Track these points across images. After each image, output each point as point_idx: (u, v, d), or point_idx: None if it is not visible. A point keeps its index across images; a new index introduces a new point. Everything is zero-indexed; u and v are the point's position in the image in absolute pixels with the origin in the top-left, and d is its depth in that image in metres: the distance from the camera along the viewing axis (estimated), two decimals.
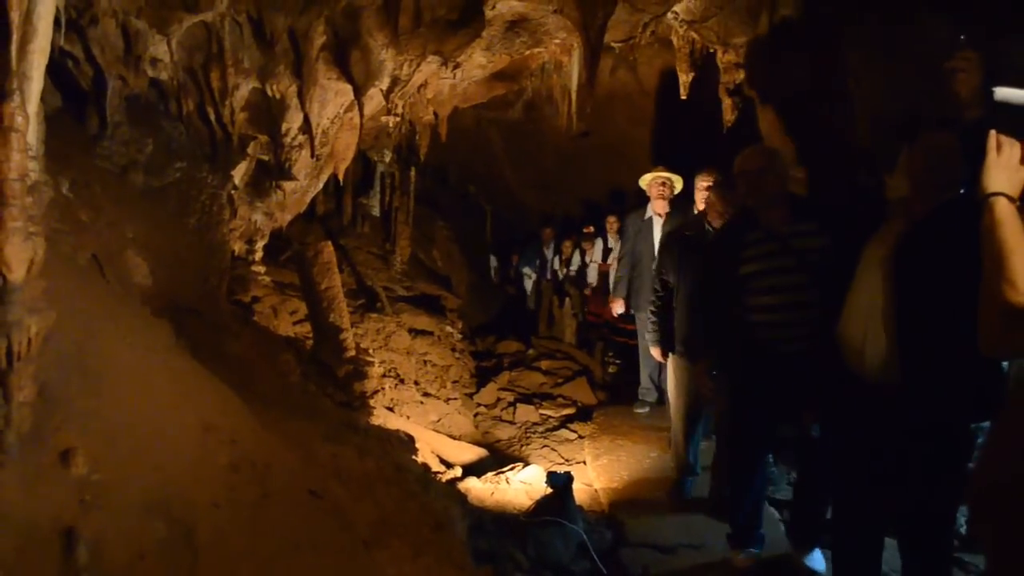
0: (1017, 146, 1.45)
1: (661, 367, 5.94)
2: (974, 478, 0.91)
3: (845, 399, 2.77)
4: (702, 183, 4.92)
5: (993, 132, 1.47)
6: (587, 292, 9.41)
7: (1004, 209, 1.41)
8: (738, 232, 3.42)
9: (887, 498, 2.82)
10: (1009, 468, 0.81)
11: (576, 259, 9.94)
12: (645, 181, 6.16)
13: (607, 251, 9.27)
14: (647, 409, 6.42)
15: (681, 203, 5.89)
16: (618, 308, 6.45)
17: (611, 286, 7.10)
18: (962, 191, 2.47)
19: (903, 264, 2.55)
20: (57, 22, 2.68)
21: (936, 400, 2.46)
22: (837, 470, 2.92)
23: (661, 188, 6.00)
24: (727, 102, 5.83)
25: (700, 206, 4.99)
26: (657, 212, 6.08)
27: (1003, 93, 1.41)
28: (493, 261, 12.08)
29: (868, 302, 2.65)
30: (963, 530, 3.67)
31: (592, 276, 9.37)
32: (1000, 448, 0.86)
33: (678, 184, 6.05)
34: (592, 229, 9.96)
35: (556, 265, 10.37)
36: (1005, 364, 2.51)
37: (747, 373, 3.40)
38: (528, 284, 11.08)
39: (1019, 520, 0.76)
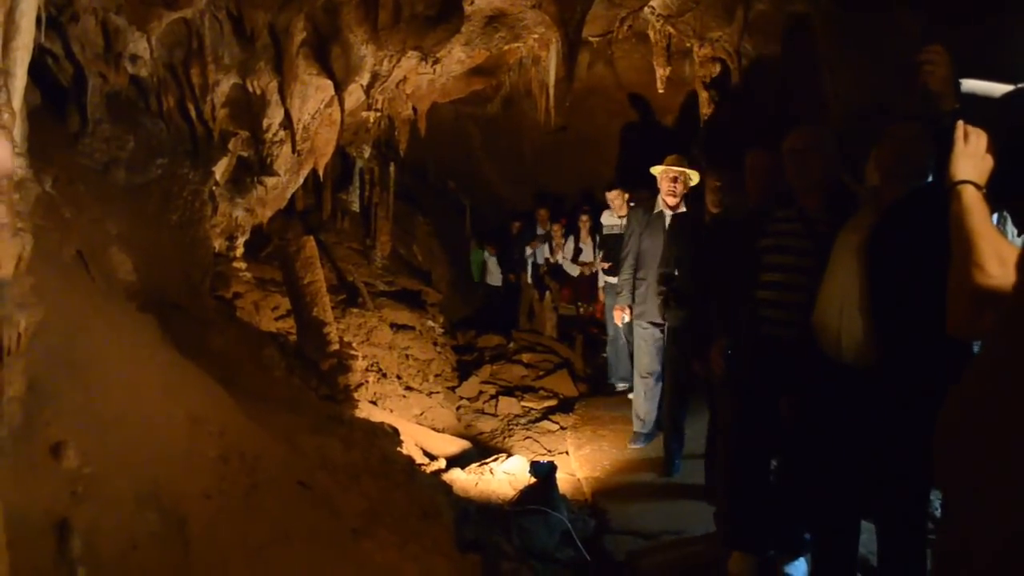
0: (983, 136, 1.51)
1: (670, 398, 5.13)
2: (936, 428, 0.97)
3: (822, 384, 2.83)
4: (713, 183, 4.60)
5: (960, 122, 1.53)
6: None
7: (971, 196, 1.47)
8: (772, 209, 3.36)
9: (863, 480, 2.88)
10: (969, 416, 0.87)
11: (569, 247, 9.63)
12: (657, 171, 5.29)
13: (578, 250, 9.29)
14: (641, 444, 5.45)
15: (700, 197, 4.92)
16: (623, 317, 5.58)
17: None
18: (930, 179, 2.55)
19: (875, 251, 2.62)
20: (37, 19, 2.69)
21: (910, 382, 2.52)
22: (814, 454, 2.97)
23: (672, 184, 5.14)
24: (703, 95, 5.89)
25: (712, 208, 4.58)
26: (669, 207, 5.23)
27: (969, 85, 1.47)
28: (489, 254, 11.49)
29: (842, 289, 2.71)
30: (939, 513, 3.75)
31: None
32: (964, 397, 0.92)
33: (694, 178, 5.20)
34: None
35: (548, 252, 10.15)
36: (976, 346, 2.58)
37: (750, 361, 3.39)
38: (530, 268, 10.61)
39: (975, 465, 0.82)
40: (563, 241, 9.74)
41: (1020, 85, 1.38)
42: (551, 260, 10.00)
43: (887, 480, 2.72)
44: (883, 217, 2.64)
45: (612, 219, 7.51)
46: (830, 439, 2.84)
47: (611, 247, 7.16)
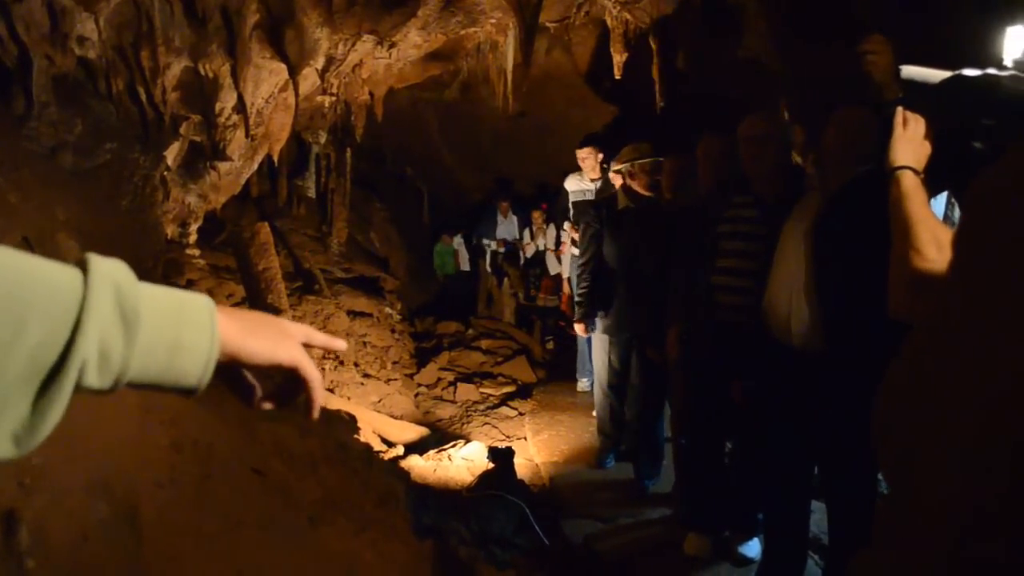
0: (922, 121, 1.54)
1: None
2: (873, 415, 1.00)
3: (772, 368, 2.88)
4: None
5: (900, 108, 1.57)
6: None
7: (910, 182, 1.51)
8: (727, 195, 3.39)
9: (813, 461, 2.94)
10: (903, 404, 0.89)
11: (551, 234, 9.08)
12: (621, 167, 4.68)
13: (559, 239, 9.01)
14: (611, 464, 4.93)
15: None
16: (584, 331, 4.90)
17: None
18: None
19: (822, 236, 2.67)
20: None
21: (857, 365, 2.56)
22: (765, 437, 3.02)
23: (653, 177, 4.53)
24: (659, 82, 5.90)
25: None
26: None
27: (909, 71, 1.50)
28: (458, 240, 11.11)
29: (791, 274, 2.75)
30: (887, 492, 3.83)
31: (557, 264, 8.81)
32: (898, 380, 0.95)
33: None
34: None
35: (527, 239, 10.06)
36: None
37: (705, 346, 3.43)
38: (488, 256, 10.50)
39: (903, 444, 0.84)
40: (544, 227, 9.57)
41: (958, 71, 1.41)
42: (532, 247, 9.89)
43: (836, 461, 2.78)
44: (829, 203, 2.68)
45: (581, 183, 6.29)
46: (780, 421, 2.90)
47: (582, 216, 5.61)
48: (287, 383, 0.90)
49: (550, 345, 8.48)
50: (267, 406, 0.91)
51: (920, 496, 0.81)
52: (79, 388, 0.68)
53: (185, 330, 0.76)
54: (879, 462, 0.94)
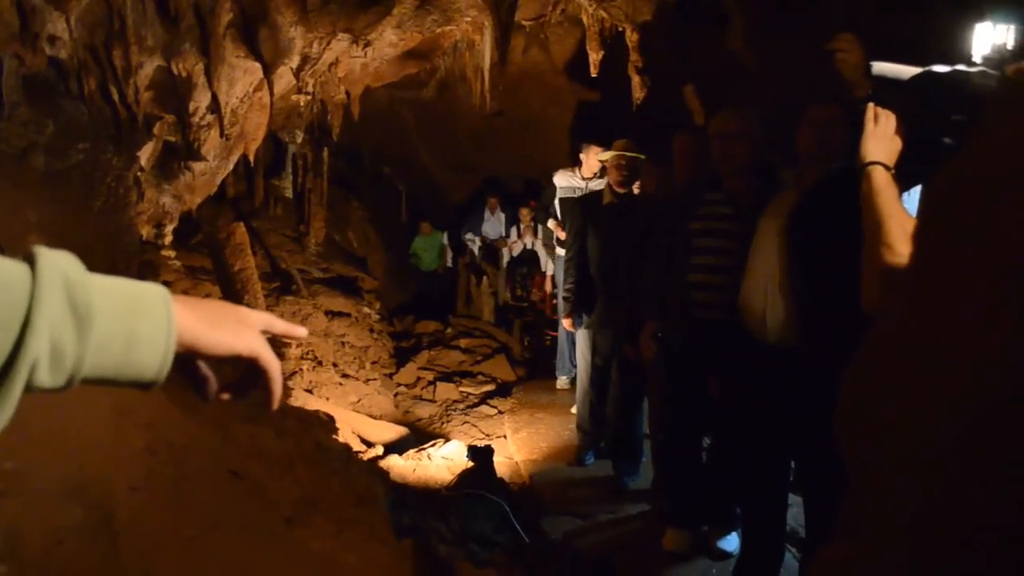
0: (893, 117, 1.56)
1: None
2: (836, 408, 1.00)
3: (748, 363, 2.89)
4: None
5: (871, 104, 1.58)
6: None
7: (881, 177, 1.52)
8: (699, 192, 3.38)
9: (790, 455, 2.96)
10: (865, 394, 0.90)
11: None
12: (605, 157, 4.71)
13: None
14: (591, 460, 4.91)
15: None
16: (571, 326, 4.88)
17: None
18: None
19: (796, 232, 2.68)
20: None
21: (831, 360, 2.58)
22: (743, 431, 3.04)
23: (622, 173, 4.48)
24: (636, 80, 5.92)
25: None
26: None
27: (879, 67, 1.51)
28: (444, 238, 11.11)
29: (766, 270, 2.77)
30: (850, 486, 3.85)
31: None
32: (860, 376, 0.95)
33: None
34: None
35: (513, 236, 10.05)
36: None
37: (681, 341, 3.44)
38: (476, 252, 10.48)
39: (872, 443, 0.85)
40: (531, 225, 9.53)
41: (927, 68, 1.42)
42: (519, 244, 9.86)
43: (813, 455, 2.80)
44: (803, 199, 2.70)
45: (572, 180, 6.19)
46: (757, 416, 2.91)
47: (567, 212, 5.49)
48: (246, 374, 0.87)
49: (527, 342, 8.50)
50: (225, 398, 0.89)
51: (884, 493, 0.81)
52: (30, 388, 0.65)
53: (140, 322, 0.73)
54: (842, 455, 0.94)
